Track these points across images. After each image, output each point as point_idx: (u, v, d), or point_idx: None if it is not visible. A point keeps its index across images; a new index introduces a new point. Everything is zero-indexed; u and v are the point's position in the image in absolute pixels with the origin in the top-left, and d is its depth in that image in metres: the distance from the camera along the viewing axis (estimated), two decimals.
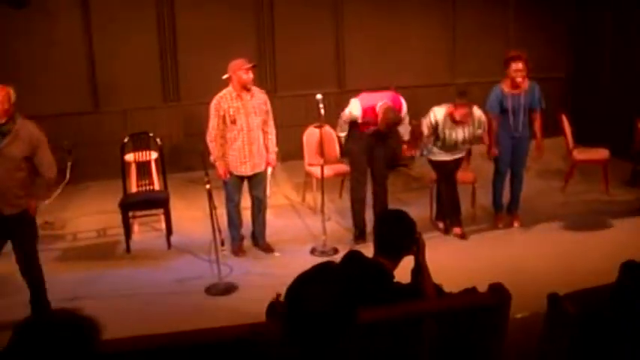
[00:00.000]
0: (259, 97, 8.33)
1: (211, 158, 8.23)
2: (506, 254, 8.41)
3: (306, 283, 4.13)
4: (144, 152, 9.48)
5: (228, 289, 7.59)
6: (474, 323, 4.36)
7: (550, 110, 9.45)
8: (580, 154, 10.23)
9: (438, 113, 8.62)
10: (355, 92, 9.07)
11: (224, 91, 8.24)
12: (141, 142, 9.47)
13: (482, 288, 4.59)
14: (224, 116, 8.18)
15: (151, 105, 11.35)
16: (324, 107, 8.27)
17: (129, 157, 9.45)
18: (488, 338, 4.40)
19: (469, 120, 8.60)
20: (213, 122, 8.23)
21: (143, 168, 9.54)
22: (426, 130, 8.69)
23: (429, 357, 4.26)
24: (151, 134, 9.49)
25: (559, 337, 4.96)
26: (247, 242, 8.69)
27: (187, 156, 10.92)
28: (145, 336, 4.15)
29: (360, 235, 8.80)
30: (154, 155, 9.56)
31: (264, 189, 8.58)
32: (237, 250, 8.50)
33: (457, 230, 8.99)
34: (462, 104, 8.53)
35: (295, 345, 3.63)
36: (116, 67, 11.16)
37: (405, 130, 9.01)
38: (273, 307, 4.36)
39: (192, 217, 9.37)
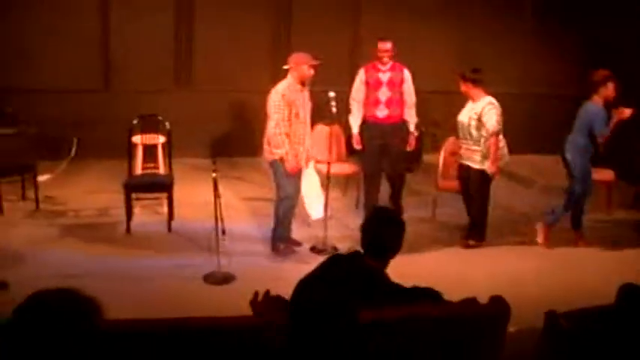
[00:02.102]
0: (307, 91, 8.27)
1: (280, 152, 7.95)
2: (504, 268, 8.40)
3: (310, 281, 4.17)
4: (152, 135, 9.50)
5: (227, 278, 7.59)
6: (473, 334, 4.37)
7: (557, 127, 9.44)
8: None
9: None
10: None
11: (285, 84, 8.05)
12: (150, 125, 9.49)
13: (480, 299, 4.60)
14: (290, 109, 7.98)
15: (163, 88, 11.34)
16: (337, 105, 8.29)
17: (136, 138, 9.46)
18: (486, 350, 4.41)
19: (464, 93, 8.62)
20: (281, 115, 7.90)
21: (150, 151, 9.55)
22: None
23: None
24: (160, 117, 9.49)
25: (555, 356, 4.97)
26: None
27: (196, 142, 10.94)
28: (150, 319, 4.16)
29: None
30: (162, 139, 9.57)
31: (298, 187, 8.38)
32: (289, 251, 8.42)
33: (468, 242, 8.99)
34: (458, 72, 8.67)
35: (298, 341, 3.65)
36: (130, 46, 11.17)
37: (411, 118, 9.21)
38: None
39: (195, 204, 9.33)
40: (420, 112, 9.40)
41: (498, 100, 8.63)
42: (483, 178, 8.66)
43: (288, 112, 7.94)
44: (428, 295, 4.54)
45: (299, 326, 3.77)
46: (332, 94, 8.26)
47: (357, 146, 9.29)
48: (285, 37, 11.62)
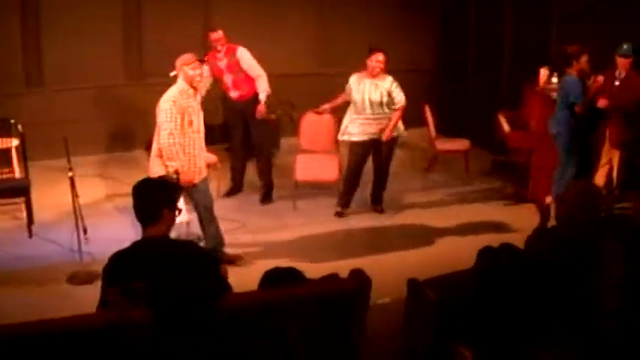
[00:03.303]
0: (199, 98, 7.85)
1: (174, 165, 7.35)
2: (369, 240, 8.64)
3: (167, 269, 4.16)
4: (4, 139, 9.28)
5: (91, 277, 7.44)
6: (336, 309, 4.43)
7: (415, 101, 9.64)
8: (442, 144, 10.49)
9: (352, 76, 9.03)
10: None
11: (176, 90, 7.45)
12: (1, 129, 9.26)
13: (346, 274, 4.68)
14: (182, 117, 7.37)
15: (13, 91, 10.97)
16: None
17: None
18: (350, 323, 4.48)
19: (381, 69, 8.87)
20: (173, 123, 7.29)
21: (4, 155, 9.31)
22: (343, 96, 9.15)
23: (290, 344, 4.30)
24: (13, 121, 9.27)
25: (420, 322, 5.10)
26: None
27: (51, 143, 10.65)
28: (5, 325, 4.06)
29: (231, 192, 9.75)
30: (15, 142, 9.34)
31: (210, 195, 7.98)
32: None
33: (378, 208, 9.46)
34: (378, 50, 8.88)
35: (164, 331, 3.64)
36: None
37: (260, 88, 9.47)
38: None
39: (54, 205, 9.10)
40: (276, 94, 9.53)
41: None
42: (394, 144, 9.24)
43: (181, 120, 7.36)
44: (290, 275, 4.59)
45: (164, 317, 3.76)
46: None
47: None
48: (135, 28, 11.42)
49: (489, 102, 11.28)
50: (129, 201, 8.87)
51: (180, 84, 7.50)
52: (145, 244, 4.60)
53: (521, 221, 8.84)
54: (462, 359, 4.48)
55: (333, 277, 4.66)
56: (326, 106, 9.37)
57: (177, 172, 7.39)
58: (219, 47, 9.33)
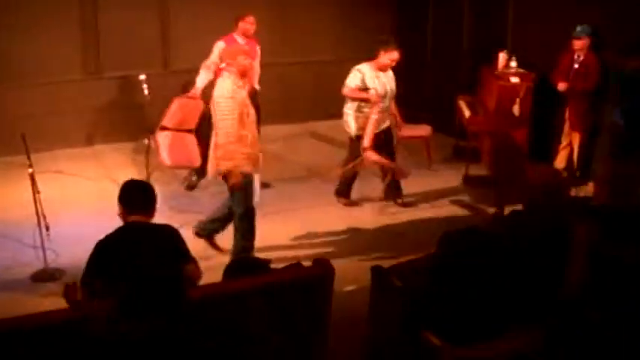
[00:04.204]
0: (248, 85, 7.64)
1: (229, 165, 7.11)
2: (330, 228, 8.63)
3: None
4: None
5: (55, 274, 7.42)
6: (300, 296, 4.45)
7: None
8: (403, 131, 10.48)
9: (362, 67, 8.78)
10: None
11: (230, 82, 7.16)
12: None
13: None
14: (241, 111, 7.11)
15: None
16: (148, 87, 8.21)
17: None
18: (315, 310, 4.50)
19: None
20: (231, 121, 7.02)
21: None
22: (352, 84, 8.75)
23: (256, 332, 4.31)
24: None
25: (386, 310, 5.12)
26: None
27: (8, 140, 10.55)
28: None
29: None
30: None
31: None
32: None
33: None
34: (395, 48, 8.72)
35: (130, 320, 3.64)
36: None
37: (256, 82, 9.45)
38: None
39: (15, 202, 8.99)
40: None
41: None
42: None
43: (240, 114, 7.08)
44: (253, 265, 4.60)
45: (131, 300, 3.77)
46: (143, 76, 8.18)
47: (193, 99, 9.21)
48: (92, 22, 11.25)
49: (449, 87, 11.32)
50: (90, 197, 9.02)
51: (229, 77, 7.21)
52: (128, 230, 4.75)
53: (485, 206, 8.92)
54: (431, 348, 4.50)
55: (295, 266, 4.68)
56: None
57: (227, 173, 7.17)
58: (251, 32, 9.28)
